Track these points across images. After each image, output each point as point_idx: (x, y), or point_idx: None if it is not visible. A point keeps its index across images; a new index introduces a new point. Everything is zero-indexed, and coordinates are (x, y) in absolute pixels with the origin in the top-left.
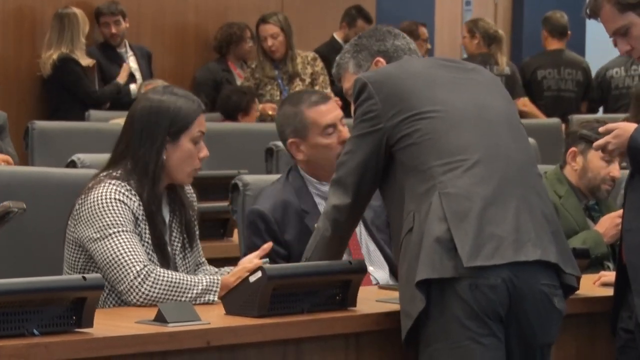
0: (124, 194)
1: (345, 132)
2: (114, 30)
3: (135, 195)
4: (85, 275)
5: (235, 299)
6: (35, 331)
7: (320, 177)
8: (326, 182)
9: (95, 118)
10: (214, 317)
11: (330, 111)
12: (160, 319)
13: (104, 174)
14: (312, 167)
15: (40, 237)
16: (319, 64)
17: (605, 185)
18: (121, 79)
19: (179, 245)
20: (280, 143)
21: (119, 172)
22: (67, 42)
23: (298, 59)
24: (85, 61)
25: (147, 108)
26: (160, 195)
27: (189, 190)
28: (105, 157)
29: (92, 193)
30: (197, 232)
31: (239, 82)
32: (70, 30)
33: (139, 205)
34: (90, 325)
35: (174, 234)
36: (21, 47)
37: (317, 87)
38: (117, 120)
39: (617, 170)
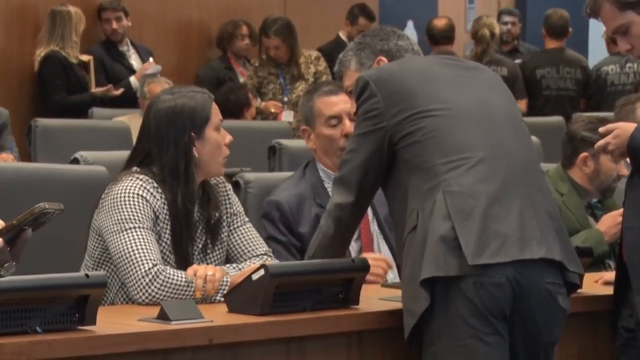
0: (148, 190)
1: (349, 126)
2: (115, 26)
3: (161, 194)
4: (88, 273)
5: (238, 296)
6: (38, 329)
7: (333, 169)
8: None
9: (99, 115)
10: (217, 315)
11: (336, 103)
12: (163, 316)
13: (135, 168)
14: (321, 157)
15: (43, 233)
16: (322, 64)
17: (615, 183)
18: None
19: (201, 244)
20: (282, 141)
21: (149, 173)
22: (57, 40)
23: (302, 59)
24: (78, 59)
25: (163, 111)
26: (196, 194)
27: (224, 186)
28: (108, 154)
29: (118, 185)
30: (244, 223)
31: (241, 79)
32: (62, 28)
33: (163, 204)
34: (93, 322)
35: (198, 233)
36: (24, 44)
37: None
38: (121, 118)
39: (625, 169)
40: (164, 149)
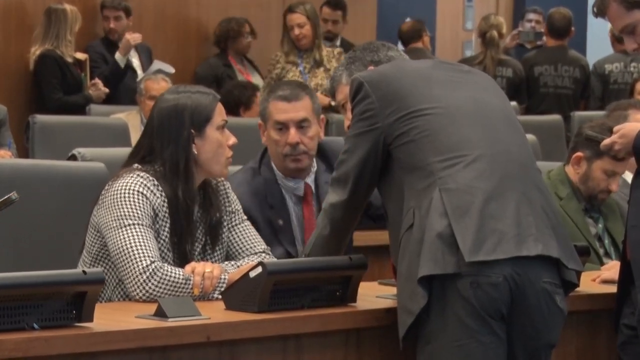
0: (148, 188)
1: (293, 135)
2: (112, 25)
3: (161, 191)
4: (86, 270)
5: (235, 294)
6: (35, 325)
7: (280, 171)
8: (288, 177)
9: (96, 112)
10: (214, 312)
11: (285, 110)
12: (160, 313)
13: (136, 165)
14: (272, 156)
15: (41, 230)
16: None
17: (602, 195)
18: (93, 93)
19: (200, 246)
20: None
21: (150, 171)
22: (51, 38)
23: (324, 52)
24: (73, 57)
25: (166, 109)
26: (195, 192)
27: (222, 184)
28: (106, 151)
29: (119, 181)
30: (243, 221)
31: (239, 77)
32: (57, 27)
33: (163, 201)
34: (90, 319)
35: (198, 234)
36: (22, 40)
37: None
38: (118, 115)
39: (616, 186)
40: (165, 145)
